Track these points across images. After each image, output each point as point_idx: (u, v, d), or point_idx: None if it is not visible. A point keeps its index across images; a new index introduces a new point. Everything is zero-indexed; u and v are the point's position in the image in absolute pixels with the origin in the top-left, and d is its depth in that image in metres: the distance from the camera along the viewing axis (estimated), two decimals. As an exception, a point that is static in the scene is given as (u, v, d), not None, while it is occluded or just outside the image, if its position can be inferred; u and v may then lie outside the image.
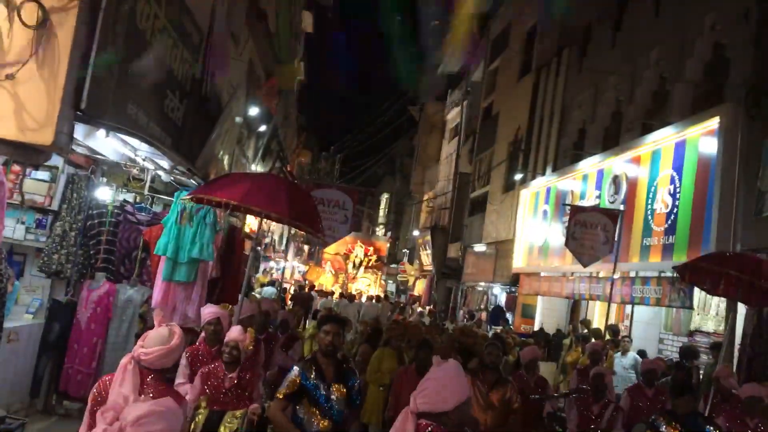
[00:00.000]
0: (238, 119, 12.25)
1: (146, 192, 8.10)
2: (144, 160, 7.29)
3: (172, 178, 8.18)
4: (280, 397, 4.45)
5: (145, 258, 7.73)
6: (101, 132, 5.99)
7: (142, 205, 8.17)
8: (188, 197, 5.96)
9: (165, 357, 3.44)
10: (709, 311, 12.28)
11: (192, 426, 4.81)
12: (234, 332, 5.10)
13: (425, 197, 34.29)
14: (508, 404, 5.64)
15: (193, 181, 7.92)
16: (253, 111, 13.84)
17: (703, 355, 10.47)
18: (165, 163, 7.57)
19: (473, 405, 4.97)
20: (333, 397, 4.48)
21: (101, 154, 6.96)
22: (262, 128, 15.39)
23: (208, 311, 5.44)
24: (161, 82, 7.29)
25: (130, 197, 8.34)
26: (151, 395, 3.35)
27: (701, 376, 9.28)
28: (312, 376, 4.46)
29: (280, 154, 19.19)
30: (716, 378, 6.52)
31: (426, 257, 28.79)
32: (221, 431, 4.95)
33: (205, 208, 6.98)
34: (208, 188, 5.98)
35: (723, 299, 11.17)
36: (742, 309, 8.09)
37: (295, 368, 4.56)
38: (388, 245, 38.35)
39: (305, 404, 4.44)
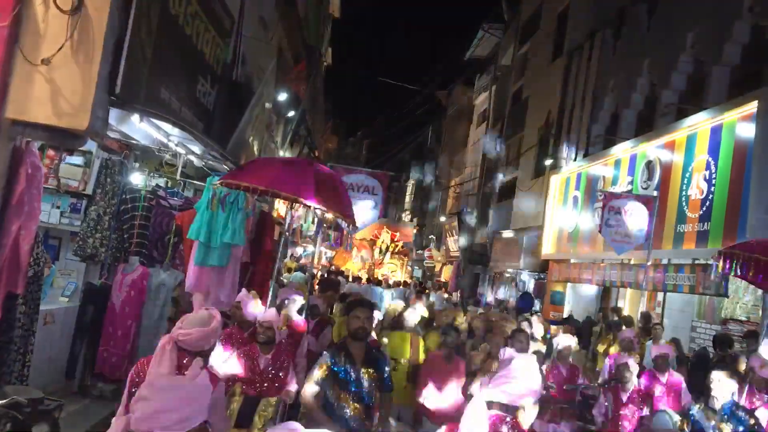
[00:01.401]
0: (267, 105, 12.27)
1: (178, 177, 8.15)
2: (176, 145, 7.33)
3: (203, 163, 8.22)
4: (311, 382, 4.49)
5: (178, 242, 7.78)
6: (135, 117, 6.02)
7: (175, 190, 8.23)
8: (219, 183, 5.97)
9: (203, 339, 3.48)
10: (741, 299, 12.08)
11: (228, 413, 4.85)
12: (268, 314, 5.12)
13: (452, 182, 34.12)
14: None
15: (225, 166, 7.95)
16: (282, 96, 13.86)
17: (737, 343, 10.29)
18: (197, 148, 7.61)
19: None
20: (363, 381, 4.50)
21: (135, 139, 7.01)
22: (291, 113, 15.42)
23: (264, 316, 5.21)
24: (193, 67, 7.31)
25: (162, 182, 8.41)
26: (187, 375, 3.41)
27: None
28: (342, 360, 4.49)
29: (307, 139, 19.24)
30: (752, 368, 6.36)
31: (453, 243, 28.69)
32: (256, 420, 4.99)
33: (235, 193, 6.99)
34: (238, 173, 5.98)
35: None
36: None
37: (325, 354, 4.60)
38: (415, 231, 38.29)
39: (336, 389, 4.46)
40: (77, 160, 7.28)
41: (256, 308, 5.41)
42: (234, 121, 8.87)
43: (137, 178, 7.69)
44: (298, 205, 5.77)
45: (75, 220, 7.34)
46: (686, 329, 12.73)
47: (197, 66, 7.44)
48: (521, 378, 2.64)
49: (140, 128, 6.55)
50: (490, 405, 2.60)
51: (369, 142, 41.67)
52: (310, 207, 5.53)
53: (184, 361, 3.45)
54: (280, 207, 17.29)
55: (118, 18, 4.93)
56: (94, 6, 4.65)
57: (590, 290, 16.55)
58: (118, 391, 7.01)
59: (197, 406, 3.39)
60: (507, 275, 22.46)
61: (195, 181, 8.59)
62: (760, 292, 11.11)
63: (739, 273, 6.19)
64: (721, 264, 6.08)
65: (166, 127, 6.56)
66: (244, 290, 5.84)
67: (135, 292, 7.50)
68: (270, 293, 6.06)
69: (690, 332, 12.73)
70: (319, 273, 24.86)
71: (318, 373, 4.48)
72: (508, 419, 2.60)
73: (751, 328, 10.32)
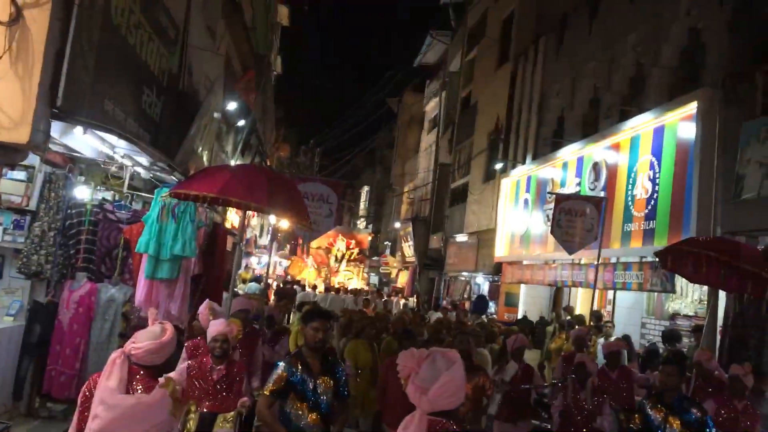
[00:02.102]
0: (216, 114, 12.13)
1: (125, 190, 7.99)
2: (122, 157, 7.19)
3: (151, 174, 8.08)
4: (267, 393, 4.43)
5: (127, 256, 7.62)
6: (78, 129, 5.89)
7: (122, 203, 8.06)
8: (168, 194, 5.89)
9: (155, 353, 3.42)
10: (688, 296, 12.46)
11: (184, 430, 4.77)
12: (219, 325, 5.05)
13: (406, 189, 34.30)
14: (482, 391, 5.69)
15: (174, 177, 7.84)
16: (231, 106, 13.71)
17: (685, 338, 10.59)
18: (144, 160, 7.48)
19: None
20: (320, 390, 4.48)
21: (78, 152, 6.85)
22: (241, 123, 15.27)
23: (216, 328, 5.10)
24: (138, 78, 7.19)
25: (108, 195, 8.23)
26: (140, 391, 3.34)
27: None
28: (299, 370, 4.44)
29: (259, 148, 19.06)
30: (698, 362, 6.56)
31: (408, 249, 28.82)
32: None
33: (185, 204, 6.90)
34: (188, 183, 5.91)
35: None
36: (723, 292, 8.18)
37: (281, 364, 4.53)
38: (370, 238, 38.33)
39: (293, 399, 4.42)
40: (19, 175, 7.06)
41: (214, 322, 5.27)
42: (182, 132, 8.75)
43: (83, 192, 7.50)
44: (252, 214, 5.68)
45: (18, 237, 7.10)
46: (636, 326, 13.06)
47: (142, 76, 7.32)
48: (456, 384, 2.66)
49: (84, 141, 6.41)
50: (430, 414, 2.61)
51: (322, 149, 41.60)
52: (264, 217, 5.46)
53: (138, 376, 3.39)
54: (233, 218, 17.11)
55: (59, 29, 4.83)
56: (33, 17, 4.55)
57: (543, 291, 16.83)
58: (68, 411, 6.83)
59: (153, 423, 3.32)
60: (462, 278, 22.65)
61: (143, 194, 8.43)
62: (705, 287, 11.50)
63: (676, 270, 6.41)
64: (661, 262, 6.25)
65: (111, 138, 6.44)
66: (207, 301, 5.72)
67: (83, 308, 7.31)
68: (224, 304, 5.99)
69: (640, 329, 13.06)
70: (275, 283, 24.69)
71: (274, 383, 4.44)
72: (445, 426, 2.61)
73: (698, 323, 10.65)
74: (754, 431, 5.71)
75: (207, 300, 5.76)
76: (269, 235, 27.96)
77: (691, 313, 12.53)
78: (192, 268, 7.40)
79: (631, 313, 13.33)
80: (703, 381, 6.51)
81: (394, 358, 6.81)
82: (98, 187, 7.83)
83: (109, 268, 7.71)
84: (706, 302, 11.94)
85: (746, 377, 6.12)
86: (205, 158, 10.99)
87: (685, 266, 6.30)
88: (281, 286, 23.04)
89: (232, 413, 5.02)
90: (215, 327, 5.05)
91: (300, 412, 4.42)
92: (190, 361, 5.09)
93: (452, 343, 5.99)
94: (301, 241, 29.52)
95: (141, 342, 3.41)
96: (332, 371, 4.58)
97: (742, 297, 7.93)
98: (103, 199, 7.92)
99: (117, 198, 8.34)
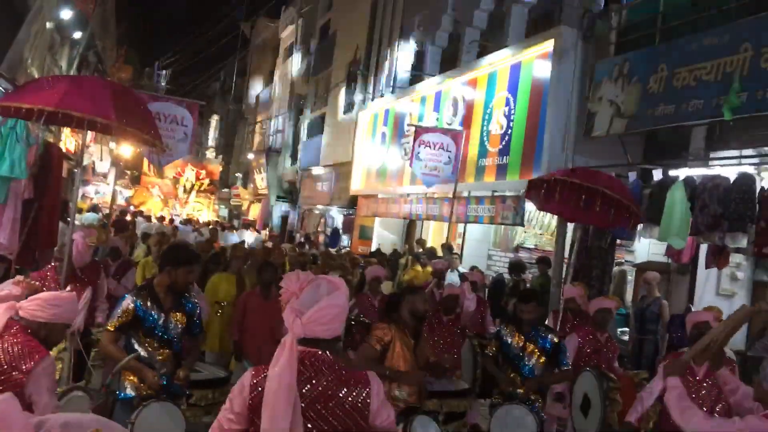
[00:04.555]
0: (49, 24, 10.80)
1: (-63, 100, 6.86)
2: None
3: (-31, 83, 6.99)
4: (111, 329, 4.14)
5: (-59, 178, 6.60)
6: None
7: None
8: (-10, 107, 5.04)
9: None
10: (532, 229, 13.17)
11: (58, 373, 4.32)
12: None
13: (259, 119, 33.22)
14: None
15: (-2, 87, 6.83)
16: (66, 14, 12.26)
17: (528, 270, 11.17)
18: (-40, 65, 6.42)
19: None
20: (170, 326, 4.20)
21: None
22: (77, 35, 13.77)
23: None
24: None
25: None
26: None
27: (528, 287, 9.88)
28: (148, 305, 4.16)
29: (98, 66, 17.45)
30: (572, 297, 6.45)
31: (260, 181, 28.12)
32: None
33: (13, 120, 6.03)
34: (17, 95, 5.13)
35: (547, 216, 12.00)
36: (570, 226, 8.63)
37: (128, 297, 4.21)
38: (221, 169, 36.96)
39: (140, 335, 4.16)
40: None
41: None
42: (9, 36, 7.62)
43: None
44: (91, 137, 5.04)
45: None
46: (483, 257, 13.66)
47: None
48: (336, 311, 2.44)
49: None
50: (302, 342, 2.37)
51: (169, 72, 39.01)
52: (104, 140, 4.87)
53: None
54: (68, 141, 15.63)
55: None
56: None
57: (396, 224, 17.09)
58: None
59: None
60: (316, 212, 22.52)
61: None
62: (550, 223, 12.16)
63: (541, 205, 6.52)
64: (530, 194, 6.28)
65: None
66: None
67: None
68: (59, 234, 5.36)
69: (486, 260, 13.68)
70: (114, 214, 23.12)
71: (120, 317, 4.09)
72: (318, 353, 2.40)
73: (541, 255, 11.26)
74: (614, 362, 6.00)
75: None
76: (109, 162, 26.05)
77: (532, 246, 13.29)
78: (22, 191, 6.55)
79: (479, 246, 13.89)
80: (572, 315, 6.50)
81: (251, 291, 6.57)
82: None
83: None
84: (547, 234, 12.72)
85: (582, 299, 6.46)
86: (35, 70, 9.77)
87: (547, 198, 6.11)
88: (117, 217, 21.53)
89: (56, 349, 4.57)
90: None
91: (150, 349, 4.17)
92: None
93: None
94: (150, 168, 27.76)
95: None
96: (185, 306, 4.33)
97: (587, 229, 8.39)
98: None
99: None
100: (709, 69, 7.22)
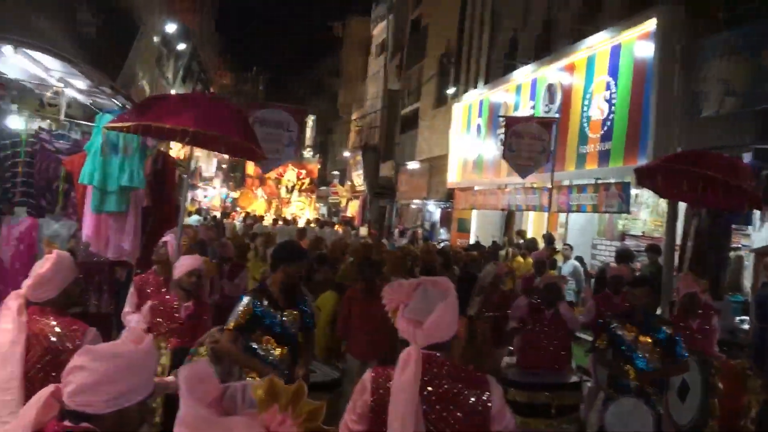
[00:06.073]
0: (156, 38, 11.40)
1: (62, 117, 7.41)
2: (58, 80, 6.61)
3: (90, 101, 7.50)
4: (230, 328, 4.23)
5: (69, 189, 7.12)
6: (7, 49, 5.32)
7: (60, 132, 7.49)
8: (118, 125, 5.30)
9: (38, 287, 3.12)
10: (639, 216, 12.66)
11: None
12: (192, 260, 4.76)
13: (354, 117, 33.69)
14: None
15: (116, 102, 7.29)
16: (171, 28, 12.92)
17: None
18: (81, 83, 6.90)
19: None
20: (287, 322, 4.33)
21: (6, 75, 6.25)
22: (181, 47, 14.47)
23: (190, 262, 4.80)
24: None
25: (44, 125, 7.62)
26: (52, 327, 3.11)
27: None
28: (265, 303, 4.27)
29: (201, 75, 18.25)
30: (693, 293, 5.96)
31: (357, 178, 28.52)
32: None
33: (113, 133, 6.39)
34: (142, 114, 5.39)
35: (654, 202, 11.50)
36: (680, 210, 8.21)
37: (246, 298, 4.34)
38: (318, 167, 37.77)
39: (259, 334, 4.26)
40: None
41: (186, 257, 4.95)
42: (122, 53, 8.13)
43: (16, 122, 6.91)
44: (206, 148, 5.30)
45: (-53, 171, 6.54)
46: (587, 247, 13.26)
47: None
48: (451, 314, 2.44)
49: (14, 63, 5.83)
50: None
51: (267, 77, 40.32)
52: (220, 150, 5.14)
53: (34, 316, 3.12)
54: (176, 148, 16.44)
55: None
56: None
57: (494, 216, 16.90)
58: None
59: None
60: (414, 206, 22.61)
61: (82, 122, 7.85)
62: (660, 207, 11.63)
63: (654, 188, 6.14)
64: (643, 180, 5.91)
65: (45, 60, 5.87)
66: (174, 231, 5.40)
67: (24, 245, 6.84)
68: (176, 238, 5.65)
69: (591, 249, 13.28)
70: (218, 215, 24.11)
71: (239, 318, 4.24)
72: (437, 356, 2.41)
73: (650, 243, 10.80)
74: (712, 347, 5.70)
75: (174, 230, 5.47)
76: (214, 166, 27.24)
77: (639, 233, 12.78)
78: (142, 200, 6.97)
79: (582, 235, 13.49)
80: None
81: (353, 288, 6.67)
82: (32, 116, 7.24)
83: (49, 202, 7.20)
84: (655, 222, 12.19)
85: (704, 294, 6.10)
86: (146, 84, 10.36)
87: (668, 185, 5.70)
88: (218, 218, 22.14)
89: (204, 347, 4.80)
90: (190, 261, 4.75)
91: (268, 347, 4.27)
92: (153, 301, 4.82)
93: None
94: (259, 172, 28.73)
95: (27, 280, 3.18)
96: (298, 303, 4.42)
97: (700, 214, 7.98)
98: (40, 128, 7.33)
99: (54, 128, 7.76)
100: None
